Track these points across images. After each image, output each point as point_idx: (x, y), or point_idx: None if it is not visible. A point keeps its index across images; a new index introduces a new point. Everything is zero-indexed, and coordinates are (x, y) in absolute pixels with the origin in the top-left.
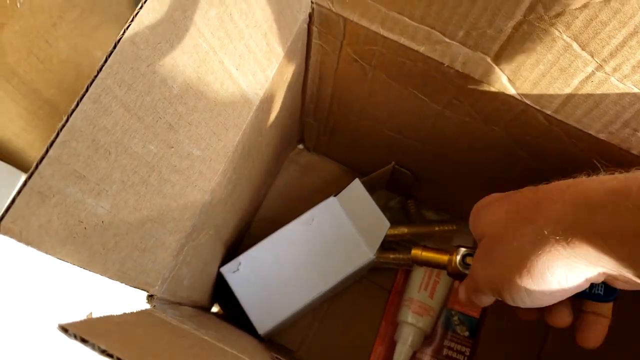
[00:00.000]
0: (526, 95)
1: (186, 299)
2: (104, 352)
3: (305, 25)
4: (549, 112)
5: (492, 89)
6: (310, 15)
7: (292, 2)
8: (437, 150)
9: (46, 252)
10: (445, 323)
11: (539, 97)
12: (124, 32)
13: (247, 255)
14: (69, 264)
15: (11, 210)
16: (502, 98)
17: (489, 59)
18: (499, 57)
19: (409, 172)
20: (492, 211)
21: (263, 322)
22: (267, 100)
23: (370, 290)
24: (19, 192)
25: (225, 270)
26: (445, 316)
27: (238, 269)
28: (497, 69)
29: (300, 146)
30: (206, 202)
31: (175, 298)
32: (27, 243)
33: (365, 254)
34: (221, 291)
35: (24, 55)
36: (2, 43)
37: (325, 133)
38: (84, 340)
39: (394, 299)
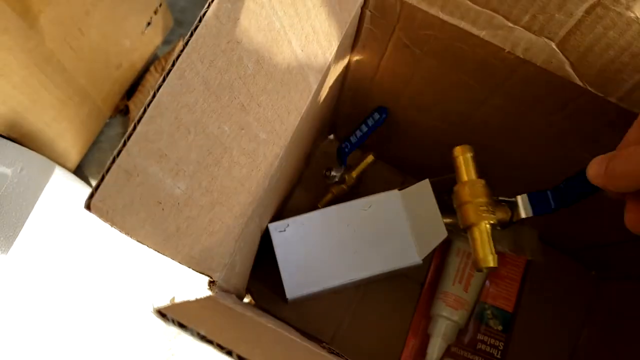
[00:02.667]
0: (590, 83)
1: (233, 287)
2: (203, 338)
3: (359, 9)
4: (613, 100)
5: (554, 77)
6: None
7: None
8: (483, 140)
9: (127, 234)
10: (478, 317)
11: (604, 85)
12: (209, 5)
13: (297, 220)
14: (145, 247)
15: (101, 188)
16: (563, 86)
17: (553, 45)
18: (565, 43)
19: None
20: None
21: (294, 287)
22: (321, 85)
23: (403, 283)
24: (107, 170)
25: (272, 227)
26: (478, 310)
27: (285, 230)
28: (561, 55)
29: (331, 137)
30: (265, 187)
31: (227, 285)
32: (112, 223)
33: (412, 256)
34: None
35: (58, 43)
36: (39, 30)
37: None
38: (182, 326)
39: (427, 292)
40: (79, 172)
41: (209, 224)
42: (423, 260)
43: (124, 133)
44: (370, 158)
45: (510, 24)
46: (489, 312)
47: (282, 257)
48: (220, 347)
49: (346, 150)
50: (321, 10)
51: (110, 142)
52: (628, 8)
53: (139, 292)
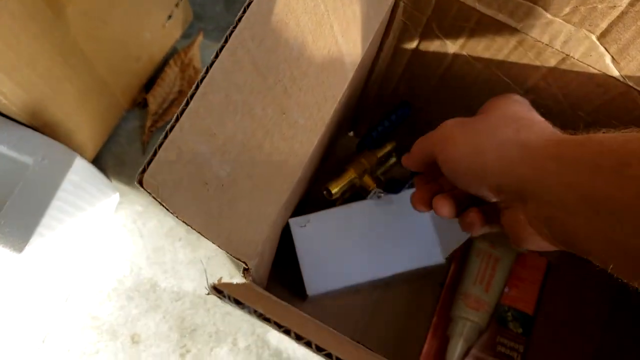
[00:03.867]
0: (630, 77)
1: (260, 276)
2: (261, 316)
3: (394, 0)
4: None
5: (591, 70)
6: None
7: None
8: None
9: (174, 212)
10: (498, 319)
11: None
12: None
13: (318, 216)
14: (189, 226)
15: (153, 163)
16: (600, 79)
17: (594, 37)
18: (606, 35)
19: None
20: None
21: (314, 284)
22: (355, 73)
23: (423, 283)
24: (160, 145)
25: (293, 222)
26: (498, 312)
27: (305, 225)
28: (601, 47)
29: (351, 133)
30: (299, 175)
31: (256, 275)
32: (162, 200)
33: (436, 255)
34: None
35: (83, 34)
36: (65, 21)
37: None
38: (239, 303)
39: (447, 293)
40: (96, 163)
41: (248, 209)
42: (445, 259)
43: (141, 126)
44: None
45: (549, 16)
46: (509, 314)
47: (303, 253)
48: (278, 325)
49: (367, 144)
50: (357, 1)
51: (127, 135)
52: None
53: (159, 286)
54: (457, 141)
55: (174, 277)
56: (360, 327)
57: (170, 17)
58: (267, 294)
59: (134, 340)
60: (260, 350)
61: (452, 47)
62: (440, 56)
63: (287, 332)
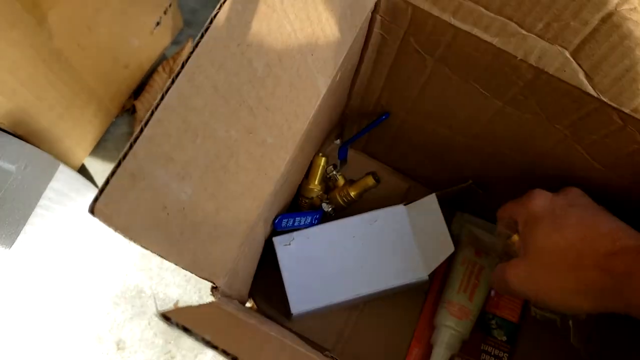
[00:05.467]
0: (603, 92)
1: (236, 292)
2: (208, 343)
3: (370, 14)
4: (626, 111)
5: (566, 85)
6: (376, 4)
7: None
8: (489, 148)
9: (131, 239)
10: (482, 326)
11: (618, 94)
12: (220, 7)
13: (302, 234)
14: (149, 252)
15: (105, 192)
16: (574, 94)
17: (567, 53)
18: (579, 51)
19: (480, 190)
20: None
21: (299, 302)
22: (329, 90)
23: (407, 292)
24: (112, 173)
25: (277, 241)
26: (482, 320)
27: (290, 244)
28: (574, 63)
29: (337, 141)
30: (270, 192)
31: (230, 291)
32: (116, 228)
33: (419, 272)
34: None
35: (67, 40)
36: (48, 27)
37: None
38: (186, 330)
39: (431, 301)
40: (84, 170)
41: (213, 230)
42: (428, 276)
43: (130, 132)
44: (370, 180)
45: (524, 32)
46: (493, 322)
47: (287, 272)
48: (225, 353)
49: (341, 155)
50: (332, 14)
51: (116, 141)
52: None
53: (145, 293)
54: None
55: (160, 283)
56: (345, 335)
57: (158, 23)
58: (236, 310)
59: (119, 346)
60: None
61: (430, 60)
62: (419, 69)
63: (234, 359)
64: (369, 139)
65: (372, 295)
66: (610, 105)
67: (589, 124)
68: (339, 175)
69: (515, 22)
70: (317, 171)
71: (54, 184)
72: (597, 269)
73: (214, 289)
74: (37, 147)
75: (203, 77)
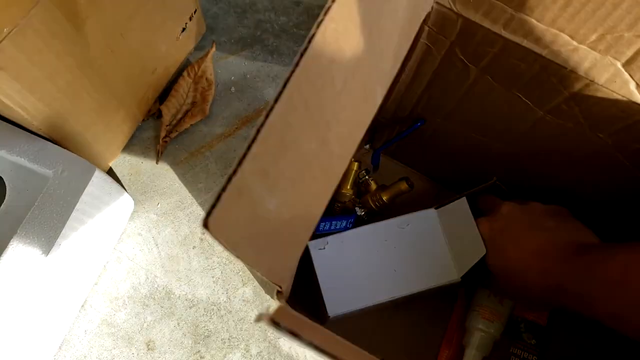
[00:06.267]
0: None
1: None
2: (316, 348)
3: (420, 25)
4: None
5: (615, 95)
6: (427, 15)
7: (420, 2)
8: (529, 161)
9: (232, 252)
10: (511, 329)
11: None
12: (319, 24)
13: (336, 238)
14: (246, 264)
15: (217, 207)
16: (623, 105)
17: (619, 64)
18: (631, 62)
19: (505, 188)
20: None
21: (335, 305)
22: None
23: (438, 294)
24: (223, 189)
25: (312, 245)
26: (511, 323)
27: (324, 248)
28: (626, 74)
29: (367, 147)
30: (329, 199)
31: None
32: (224, 242)
33: (451, 273)
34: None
35: (101, 47)
36: (85, 35)
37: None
38: (296, 335)
39: (461, 304)
40: (111, 173)
41: (288, 237)
42: (461, 278)
43: (156, 136)
44: (404, 185)
45: (575, 43)
46: (522, 325)
47: (323, 275)
48: (333, 357)
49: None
50: (395, 26)
51: (141, 144)
52: None
53: (174, 294)
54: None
55: (188, 284)
56: (375, 336)
57: (184, 29)
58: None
59: (149, 347)
60: (272, 356)
61: (474, 70)
62: (461, 79)
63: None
64: (399, 145)
65: (406, 297)
66: None
67: (633, 134)
68: (371, 180)
69: (568, 34)
70: (350, 175)
71: (90, 187)
72: (538, 278)
73: (279, 293)
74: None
75: (299, 94)
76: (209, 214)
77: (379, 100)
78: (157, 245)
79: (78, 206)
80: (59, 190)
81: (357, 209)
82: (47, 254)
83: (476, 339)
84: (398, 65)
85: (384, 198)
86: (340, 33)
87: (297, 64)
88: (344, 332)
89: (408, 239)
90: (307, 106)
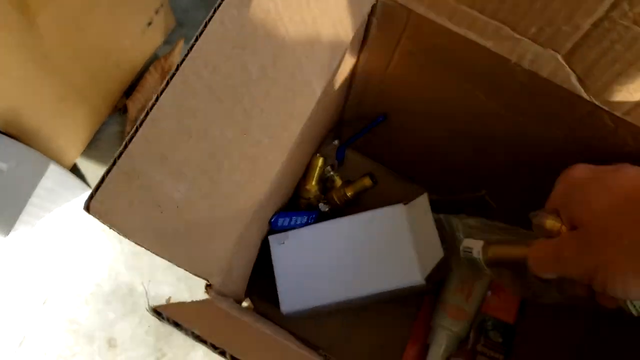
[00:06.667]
0: (596, 96)
1: (232, 291)
2: (197, 338)
3: (366, 17)
4: (618, 114)
5: (559, 89)
6: (373, 7)
7: None
8: (487, 150)
9: (125, 236)
10: (478, 328)
11: (610, 98)
12: (215, 10)
13: (297, 233)
14: (142, 249)
15: (100, 190)
16: (568, 98)
17: (559, 57)
18: (571, 55)
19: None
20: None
21: (289, 301)
22: (325, 92)
23: (402, 299)
24: (107, 172)
25: (272, 239)
26: (478, 321)
27: (284, 243)
28: (567, 67)
29: (335, 142)
30: (265, 192)
31: (225, 289)
32: (111, 225)
33: (415, 275)
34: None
35: (57, 41)
36: (38, 28)
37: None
38: (177, 325)
39: (428, 302)
40: (76, 169)
41: (208, 229)
42: (425, 280)
43: (122, 131)
44: (367, 181)
45: (517, 35)
46: (489, 323)
47: (280, 270)
48: (214, 347)
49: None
50: (327, 19)
51: (108, 140)
52: (635, 22)
53: (136, 291)
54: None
55: (152, 282)
56: (341, 334)
57: (150, 23)
58: (229, 308)
59: (111, 344)
60: None
61: (426, 63)
62: (416, 72)
63: (222, 353)
64: (367, 140)
65: (365, 298)
66: (602, 109)
67: (582, 127)
68: (337, 175)
69: (509, 26)
70: (315, 172)
71: (45, 182)
72: None
73: (208, 287)
74: (29, 146)
75: (197, 78)
76: (91, 197)
77: (318, 92)
78: (120, 241)
79: (33, 200)
80: (12, 183)
81: (320, 204)
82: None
83: (441, 338)
84: (338, 57)
85: (348, 194)
86: (245, 18)
87: (191, 48)
88: (309, 330)
89: (372, 236)
90: (212, 91)
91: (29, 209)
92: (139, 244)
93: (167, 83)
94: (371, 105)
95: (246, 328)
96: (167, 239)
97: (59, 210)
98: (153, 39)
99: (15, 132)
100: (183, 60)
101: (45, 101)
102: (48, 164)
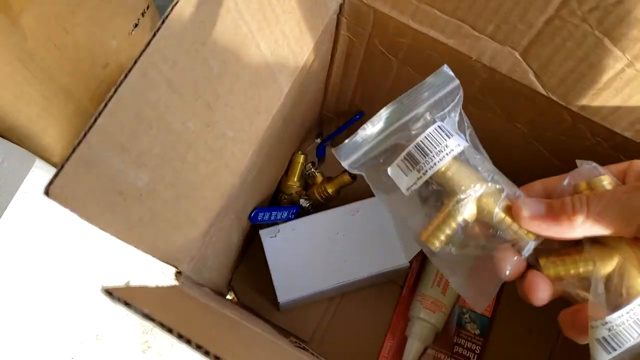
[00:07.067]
0: (552, 92)
1: (208, 280)
2: (146, 316)
3: (335, 16)
4: (574, 109)
5: (518, 85)
6: (341, 6)
7: None
8: None
9: (87, 220)
10: (456, 320)
11: (566, 94)
12: (172, 8)
13: (287, 226)
14: (107, 234)
15: (59, 176)
16: (527, 94)
17: (517, 54)
18: (528, 52)
19: None
20: None
21: (285, 291)
22: (295, 89)
23: (383, 285)
24: (67, 159)
25: (263, 233)
26: (456, 313)
27: (275, 236)
28: (524, 64)
29: (318, 140)
30: (235, 184)
31: (198, 278)
32: (72, 209)
33: (399, 259)
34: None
35: (42, 41)
36: (22, 28)
37: None
38: (127, 304)
39: (407, 294)
40: None
41: (173, 216)
42: (409, 262)
43: None
44: (346, 177)
45: (476, 33)
46: (466, 315)
47: (273, 262)
48: (162, 325)
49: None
50: (290, 16)
51: None
52: (584, 20)
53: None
54: None
55: (137, 276)
56: (322, 326)
57: (136, 25)
58: (199, 295)
59: (97, 337)
60: None
61: (394, 61)
62: (386, 70)
63: (170, 331)
64: (346, 138)
65: (355, 283)
66: (559, 104)
67: (543, 122)
68: (317, 172)
69: (468, 24)
70: (296, 168)
71: (31, 178)
72: None
73: (178, 274)
74: (15, 143)
75: (156, 72)
76: (51, 182)
77: (284, 88)
78: (106, 235)
79: (18, 196)
80: None
81: (302, 200)
82: None
83: (417, 329)
84: (305, 54)
85: (329, 190)
86: (204, 15)
87: (148, 44)
88: (291, 323)
89: (358, 225)
90: (170, 84)
91: (14, 204)
92: (102, 229)
93: (125, 76)
94: (349, 103)
95: (212, 313)
96: (132, 226)
97: (45, 207)
98: (141, 41)
99: (0, 131)
100: (140, 54)
101: (30, 100)
102: (33, 160)
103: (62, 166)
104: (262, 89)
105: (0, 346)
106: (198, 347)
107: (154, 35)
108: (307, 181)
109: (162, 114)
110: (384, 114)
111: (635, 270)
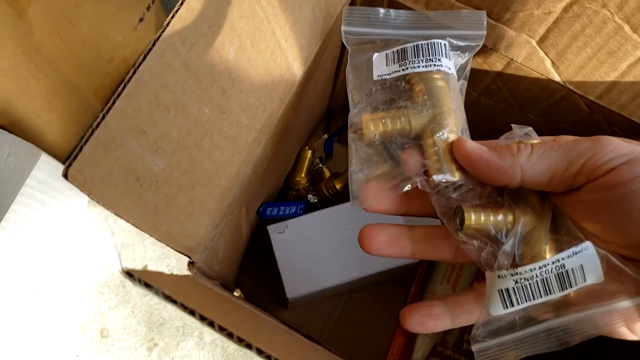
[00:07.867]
0: (569, 81)
1: (217, 273)
2: (167, 298)
3: (348, 5)
4: (591, 98)
5: (534, 74)
6: None
7: None
8: None
9: (104, 205)
10: None
11: (583, 82)
12: None
13: (295, 221)
14: (121, 218)
15: (78, 158)
16: (543, 83)
17: (533, 42)
18: (545, 40)
19: None
20: None
21: (294, 287)
22: (307, 78)
23: (391, 282)
24: (86, 141)
25: (271, 229)
26: None
27: (283, 231)
28: (541, 52)
29: (325, 136)
30: (248, 173)
31: (209, 270)
32: (89, 193)
33: None
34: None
35: (48, 34)
36: (28, 20)
37: None
38: (148, 285)
39: (416, 292)
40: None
41: (188, 204)
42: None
43: None
44: None
45: (492, 21)
46: None
47: (282, 258)
48: (184, 307)
49: (329, 141)
50: (305, 2)
51: None
52: (604, 6)
53: (128, 282)
54: None
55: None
56: (331, 324)
57: (141, 19)
58: (216, 287)
59: (103, 334)
60: (225, 344)
61: None
62: None
63: (192, 313)
64: None
65: (365, 279)
66: (576, 93)
67: (559, 112)
68: (325, 167)
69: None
70: (304, 163)
71: (37, 173)
72: None
73: (190, 264)
74: (20, 137)
75: (174, 55)
76: (69, 164)
77: (298, 76)
78: (113, 234)
79: (24, 190)
80: (3, 174)
81: (309, 196)
82: None
83: None
84: (318, 42)
85: (337, 186)
86: (213, 3)
87: (167, 25)
88: (299, 320)
89: (367, 221)
90: (188, 68)
91: (20, 199)
92: (119, 215)
93: (144, 57)
94: None
95: (224, 301)
96: (148, 213)
97: (51, 201)
98: (145, 35)
99: (6, 124)
100: (159, 36)
101: (36, 93)
102: (39, 154)
103: (81, 148)
104: (277, 76)
105: (6, 343)
106: (221, 329)
107: (172, 16)
108: (314, 177)
109: (179, 98)
110: (407, 15)
111: (554, 229)
